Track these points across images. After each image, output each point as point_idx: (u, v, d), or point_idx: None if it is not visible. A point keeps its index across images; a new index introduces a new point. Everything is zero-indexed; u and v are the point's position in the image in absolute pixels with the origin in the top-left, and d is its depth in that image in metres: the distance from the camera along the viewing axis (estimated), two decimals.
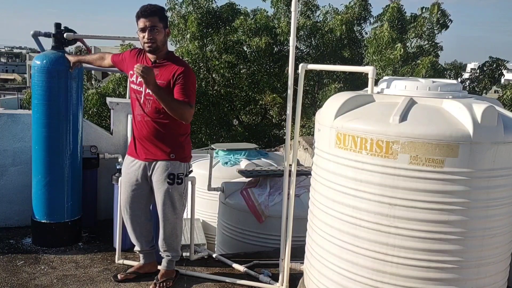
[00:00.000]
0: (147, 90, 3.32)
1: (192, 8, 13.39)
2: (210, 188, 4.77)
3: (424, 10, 12.42)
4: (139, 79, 3.33)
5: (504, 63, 13.24)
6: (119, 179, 3.95)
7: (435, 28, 12.30)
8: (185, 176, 3.49)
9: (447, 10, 12.22)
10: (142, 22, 3.30)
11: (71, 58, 4.08)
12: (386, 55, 11.49)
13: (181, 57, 12.39)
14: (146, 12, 3.30)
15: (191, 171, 3.60)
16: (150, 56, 3.41)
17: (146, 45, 3.34)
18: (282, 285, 3.59)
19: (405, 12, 12.77)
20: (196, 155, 5.86)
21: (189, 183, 3.84)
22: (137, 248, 3.73)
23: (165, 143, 3.41)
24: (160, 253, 3.65)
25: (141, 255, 3.76)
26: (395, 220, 2.61)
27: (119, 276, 3.68)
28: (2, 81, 65.36)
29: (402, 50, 11.20)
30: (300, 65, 3.37)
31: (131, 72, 3.43)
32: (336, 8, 13.73)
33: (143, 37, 3.32)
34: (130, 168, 3.54)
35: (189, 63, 12.50)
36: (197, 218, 5.12)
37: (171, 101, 3.25)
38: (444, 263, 2.61)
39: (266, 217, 4.57)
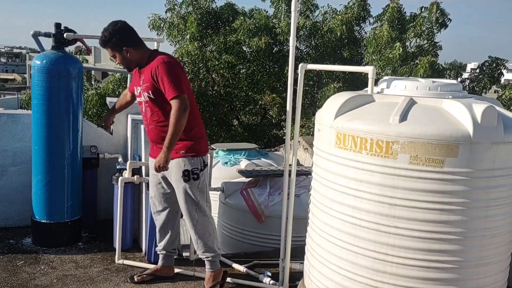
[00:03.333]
0: (142, 98, 3.40)
1: (192, 9, 13.38)
2: (210, 188, 4.77)
3: (423, 10, 12.43)
4: (139, 90, 3.43)
5: (504, 62, 13.23)
6: (119, 179, 3.96)
7: (434, 27, 12.31)
8: (200, 171, 3.40)
9: (446, 9, 12.23)
10: None
11: (107, 118, 4.00)
12: (385, 55, 11.49)
13: (180, 58, 12.40)
14: (100, 43, 3.43)
15: (206, 164, 3.49)
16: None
17: None
18: (282, 285, 3.59)
19: (405, 12, 12.78)
20: None
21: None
22: (159, 248, 3.72)
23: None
24: (200, 256, 3.59)
25: (160, 256, 3.73)
26: (395, 220, 2.61)
27: (135, 278, 3.65)
28: (2, 81, 65.31)
29: (401, 49, 11.21)
30: (300, 65, 3.38)
31: (134, 87, 3.54)
32: (335, 8, 13.75)
33: None
34: (152, 168, 3.55)
35: (189, 64, 12.48)
36: None
37: (176, 131, 3.20)
38: (444, 263, 2.62)
39: (266, 217, 4.57)
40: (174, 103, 3.21)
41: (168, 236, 3.66)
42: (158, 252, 3.75)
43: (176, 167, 3.37)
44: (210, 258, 3.52)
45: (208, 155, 3.60)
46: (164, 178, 3.51)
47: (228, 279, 3.73)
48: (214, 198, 5.29)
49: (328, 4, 14.78)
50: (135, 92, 3.53)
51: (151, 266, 3.85)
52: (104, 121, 4.02)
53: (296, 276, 3.64)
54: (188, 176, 3.36)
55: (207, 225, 3.49)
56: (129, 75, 6.66)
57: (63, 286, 3.59)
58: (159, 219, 3.66)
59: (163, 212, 3.62)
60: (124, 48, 3.36)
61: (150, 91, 3.32)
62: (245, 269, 3.91)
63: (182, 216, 4.24)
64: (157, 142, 3.45)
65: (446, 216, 2.56)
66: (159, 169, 3.26)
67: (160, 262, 3.75)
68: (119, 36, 3.36)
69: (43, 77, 4.05)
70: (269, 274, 3.80)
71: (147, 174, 3.96)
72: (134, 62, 3.42)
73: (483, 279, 2.73)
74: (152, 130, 3.44)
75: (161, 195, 3.59)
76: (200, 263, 4.02)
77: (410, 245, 2.61)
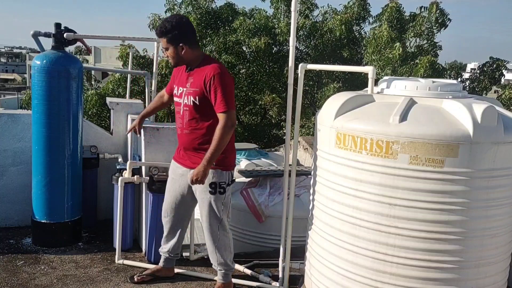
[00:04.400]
0: (184, 101, 3.28)
1: (191, 9, 13.38)
2: None
3: (423, 10, 12.44)
4: (181, 91, 3.32)
5: (505, 63, 13.26)
6: (119, 179, 3.95)
7: (434, 27, 12.31)
8: (227, 185, 3.32)
9: (446, 9, 12.25)
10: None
11: (135, 122, 3.74)
12: (385, 55, 11.49)
13: None
14: (156, 32, 3.29)
15: (234, 180, 3.41)
16: (187, 65, 3.35)
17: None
18: (282, 285, 3.59)
19: (404, 12, 12.78)
20: None
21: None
22: (163, 250, 3.66)
23: (206, 152, 3.21)
24: (213, 266, 3.54)
25: (162, 258, 3.69)
26: (395, 220, 2.61)
27: (135, 278, 3.63)
28: (2, 81, 65.29)
29: (400, 49, 11.21)
30: (300, 65, 3.38)
31: (175, 85, 3.42)
32: (335, 8, 13.76)
33: None
34: (174, 173, 3.48)
35: None
36: (197, 218, 5.11)
37: (220, 146, 3.14)
38: (444, 263, 2.62)
39: (266, 217, 4.57)
40: (222, 117, 3.13)
41: (174, 241, 3.60)
42: (161, 253, 3.71)
43: None
44: (223, 271, 3.49)
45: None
46: (188, 186, 3.40)
47: None
48: None
49: (328, 4, 14.76)
50: (175, 92, 3.40)
51: (151, 266, 3.84)
52: (134, 127, 3.74)
53: (296, 276, 3.64)
54: (214, 189, 3.26)
55: (226, 241, 3.44)
56: (129, 75, 6.69)
57: (63, 286, 3.59)
58: (169, 224, 3.57)
59: (175, 218, 3.54)
60: (180, 44, 3.25)
61: (197, 97, 3.21)
62: (245, 269, 3.91)
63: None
64: (187, 148, 3.35)
65: (446, 216, 2.56)
66: (195, 182, 3.18)
67: (161, 263, 3.72)
68: (180, 31, 3.25)
69: (43, 77, 4.05)
70: (269, 274, 3.80)
71: (147, 174, 3.97)
72: (185, 61, 3.30)
73: (483, 279, 2.73)
74: (187, 136, 3.32)
75: (177, 201, 3.49)
76: (199, 263, 4.03)
77: (410, 245, 2.62)
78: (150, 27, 13.43)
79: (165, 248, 3.65)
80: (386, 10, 12.53)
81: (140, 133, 3.83)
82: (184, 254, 4.09)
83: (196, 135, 3.29)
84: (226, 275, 3.52)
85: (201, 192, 3.32)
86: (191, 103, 3.24)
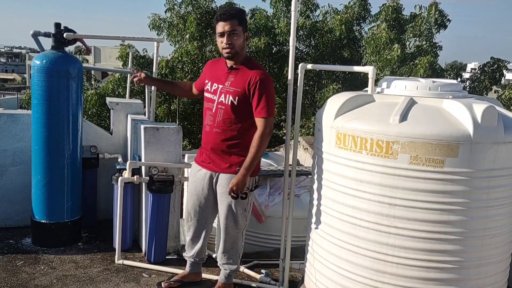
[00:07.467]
0: (220, 99, 3.19)
1: (191, 8, 13.37)
2: None
3: (422, 10, 12.43)
4: (215, 87, 3.24)
5: (505, 63, 13.27)
6: (119, 179, 3.95)
7: (433, 28, 12.31)
8: (250, 191, 3.25)
9: (447, 9, 12.24)
10: (220, 27, 3.12)
11: (147, 79, 3.80)
12: (384, 56, 11.49)
13: (179, 58, 12.38)
14: (225, 15, 3.10)
15: (257, 186, 3.36)
16: (228, 62, 3.23)
17: (224, 51, 3.16)
18: (282, 285, 3.59)
19: (403, 10, 12.77)
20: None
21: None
22: (188, 255, 3.60)
23: (232, 155, 3.21)
24: (218, 265, 3.53)
25: (188, 262, 3.63)
26: (395, 220, 2.61)
27: (163, 284, 3.57)
28: (1, 81, 65.30)
29: (399, 51, 11.20)
30: (300, 65, 3.38)
31: (207, 81, 3.34)
32: (336, 8, 13.75)
33: (221, 42, 3.14)
34: (195, 176, 3.41)
35: (188, 64, 12.46)
36: None
37: (259, 154, 3.14)
38: (444, 263, 2.62)
39: (266, 217, 4.57)
40: (262, 123, 3.09)
41: (199, 246, 3.53)
42: (186, 258, 3.64)
43: (226, 181, 3.22)
44: (228, 271, 3.48)
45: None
46: (209, 188, 3.35)
47: None
48: None
49: (328, 4, 14.76)
50: (208, 87, 3.30)
51: (151, 266, 3.85)
52: (141, 77, 3.73)
53: (296, 276, 3.64)
54: (237, 194, 3.17)
55: (239, 244, 3.44)
56: (129, 75, 6.67)
57: (63, 286, 3.58)
58: (193, 228, 3.50)
59: (199, 221, 3.48)
60: (247, 31, 3.17)
61: (237, 98, 3.12)
62: (245, 269, 3.91)
63: (181, 216, 4.23)
64: (214, 149, 3.26)
65: (446, 216, 2.56)
66: (235, 192, 3.12)
67: (187, 268, 3.65)
68: (245, 18, 3.18)
69: (42, 77, 4.04)
70: (269, 274, 3.80)
71: (147, 174, 3.96)
72: (239, 53, 3.16)
73: (483, 279, 2.73)
74: (216, 135, 3.22)
75: (201, 204, 3.42)
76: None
77: (410, 245, 2.61)
78: (150, 27, 13.42)
79: (189, 253, 3.58)
80: (383, 9, 12.53)
81: (140, 82, 3.76)
82: (184, 254, 4.09)
83: (227, 136, 3.20)
84: (229, 276, 3.51)
85: (223, 194, 3.27)
86: (229, 103, 3.16)
